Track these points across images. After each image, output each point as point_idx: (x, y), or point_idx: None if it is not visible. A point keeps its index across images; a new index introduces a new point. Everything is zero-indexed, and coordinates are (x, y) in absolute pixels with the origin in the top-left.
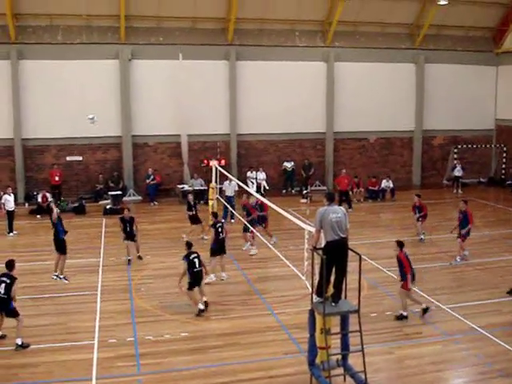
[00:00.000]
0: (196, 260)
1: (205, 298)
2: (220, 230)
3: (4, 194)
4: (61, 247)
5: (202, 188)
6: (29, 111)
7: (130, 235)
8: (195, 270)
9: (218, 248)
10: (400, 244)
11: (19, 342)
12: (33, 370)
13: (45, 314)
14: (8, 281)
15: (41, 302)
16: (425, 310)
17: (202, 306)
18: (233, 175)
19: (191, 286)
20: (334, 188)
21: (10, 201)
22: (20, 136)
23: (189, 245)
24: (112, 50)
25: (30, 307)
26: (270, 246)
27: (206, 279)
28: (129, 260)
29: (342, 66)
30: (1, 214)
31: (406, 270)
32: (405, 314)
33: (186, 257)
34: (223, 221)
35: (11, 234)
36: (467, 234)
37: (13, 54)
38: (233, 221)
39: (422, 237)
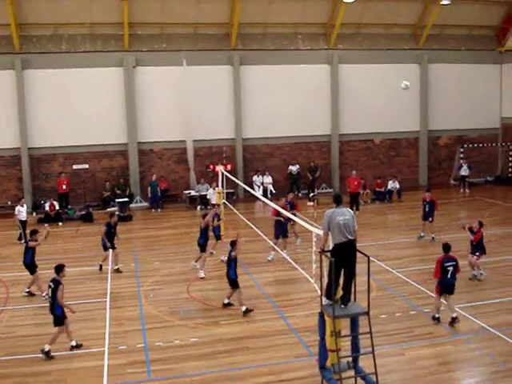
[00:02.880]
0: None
1: (226, 300)
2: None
3: (17, 205)
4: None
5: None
6: (34, 120)
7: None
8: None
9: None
10: (443, 247)
11: (73, 343)
12: (45, 378)
13: None
14: (53, 286)
15: None
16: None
17: (225, 301)
18: (239, 180)
19: None
20: (344, 190)
21: (22, 212)
22: (26, 145)
23: (231, 243)
24: (116, 57)
25: (40, 316)
26: (278, 249)
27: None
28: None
29: (346, 68)
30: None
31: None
32: (436, 315)
33: None
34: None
35: (22, 241)
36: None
37: (17, 63)
38: None
39: (433, 236)
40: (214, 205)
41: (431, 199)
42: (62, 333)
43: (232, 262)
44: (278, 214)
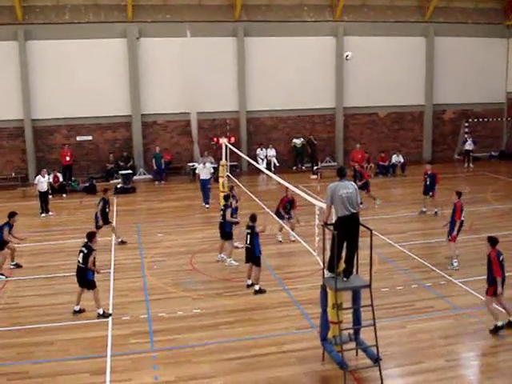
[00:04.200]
0: (248, 236)
1: (249, 281)
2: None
3: (38, 175)
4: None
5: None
6: (38, 92)
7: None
8: (246, 245)
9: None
10: (492, 241)
11: (100, 311)
12: (48, 348)
13: (59, 292)
14: (86, 251)
15: (55, 281)
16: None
17: (248, 282)
18: (243, 152)
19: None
20: (348, 163)
21: (43, 182)
22: (30, 117)
23: (251, 218)
24: (119, 28)
25: (44, 286)
26: (282, 223)
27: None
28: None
29: (351, 41)
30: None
31: (495, 272)
32: (499, 324)
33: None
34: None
35: (43, 214)
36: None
37: (20, 34)
38: (207, 206)
39: (436, 210)
40: (231, 187)
41: (432, 172)
42: (98, 293)
43: (256, 239)
44: (284, 207)
